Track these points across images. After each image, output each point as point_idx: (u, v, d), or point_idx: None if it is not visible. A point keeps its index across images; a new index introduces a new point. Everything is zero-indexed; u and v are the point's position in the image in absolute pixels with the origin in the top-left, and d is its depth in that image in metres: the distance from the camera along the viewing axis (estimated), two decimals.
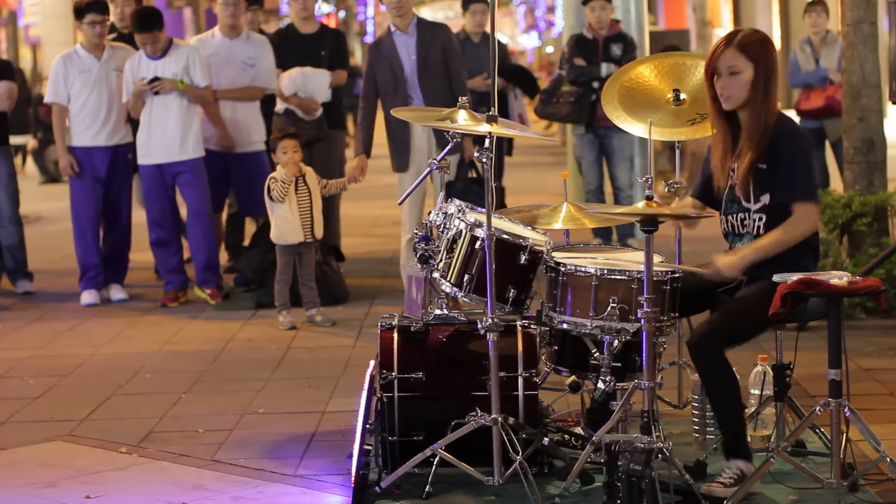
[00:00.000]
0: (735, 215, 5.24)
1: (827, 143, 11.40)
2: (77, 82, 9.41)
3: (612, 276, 5.15)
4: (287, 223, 8.35)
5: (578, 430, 5.56)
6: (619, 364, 5.27)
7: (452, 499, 5.13)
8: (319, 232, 8.49)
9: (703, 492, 4.90)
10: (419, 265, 5.36)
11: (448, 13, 45.63)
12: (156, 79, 9.15)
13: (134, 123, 9.62)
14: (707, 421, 5.56)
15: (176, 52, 9.27)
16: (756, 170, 5.11)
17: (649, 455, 4.64)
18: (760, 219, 5.14)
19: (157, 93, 9.16)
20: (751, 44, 5.10)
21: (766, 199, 5.12)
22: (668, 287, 5.14)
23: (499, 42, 9.61)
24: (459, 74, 8.79)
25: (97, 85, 9.42)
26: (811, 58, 11.32)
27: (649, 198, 4.84)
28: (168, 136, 9.24)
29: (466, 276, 5.28)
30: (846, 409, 4.93)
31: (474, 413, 5.11)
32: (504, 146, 10.99)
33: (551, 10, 39.57)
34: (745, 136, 5.15)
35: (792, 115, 11.87)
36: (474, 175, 8.81)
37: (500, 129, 5.29)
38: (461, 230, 5.31)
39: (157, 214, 9.43)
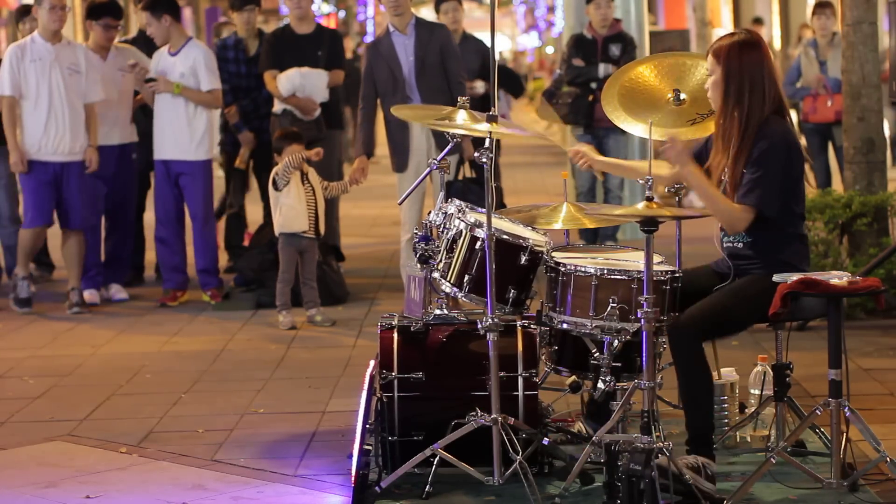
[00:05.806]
0: None
1: (830, 145, 11.39)
2: None
3: (612, 276, 5.15)
4: (293, 210, 8.33)
5: (578, 425, 5.57)
6: (619, 364, 5.27)
7: (452, 499, 5.13)
8: (322, 229, 8.50)
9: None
10: (419, 265, 5.36)
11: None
12: (152, 79, 9.20)
13: (139, 124, 9.66)
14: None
15: (187, 51, 9.27)
16: (742, 174, 5.15)
17: (649, 455, 4.64)
18: None
19: (154, 91, 9.24)
20: (720, 48, 5.24)
21: None
22: (668, 287, 5.14)
23: (482, 42, 9.60)
24: (458, 75, 8.76)
25: (102, 85, 9.40)
26: (815, 61, 11.29)
27: (649, 198, 4.84)
28: (174, 134, 9.27)
29: (466, 277, 5.28)
30: (846, 409, 4.93)
31: (474, 413, 5.11)
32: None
33: (551, 10, 39.54)
34: (717, 137, 5.24)
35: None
36: (472, 175, 8.79)
37: (500, 128, 5.29)
38: (461, 230, 5.31)
39: (161, 212, 9.44)
